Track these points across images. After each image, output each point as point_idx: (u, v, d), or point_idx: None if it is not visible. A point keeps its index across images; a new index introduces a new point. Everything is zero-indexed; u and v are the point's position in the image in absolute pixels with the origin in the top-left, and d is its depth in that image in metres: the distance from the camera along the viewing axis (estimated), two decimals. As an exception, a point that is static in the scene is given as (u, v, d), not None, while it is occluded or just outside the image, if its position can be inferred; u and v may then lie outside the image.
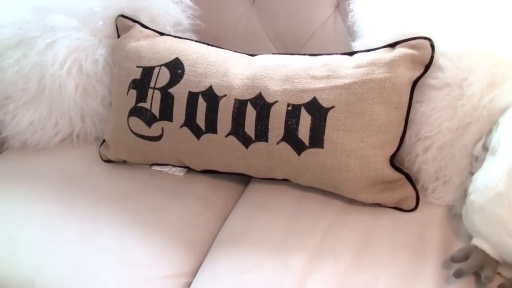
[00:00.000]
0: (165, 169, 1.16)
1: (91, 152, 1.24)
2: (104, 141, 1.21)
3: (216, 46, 1.12)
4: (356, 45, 1.07)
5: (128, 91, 1.10)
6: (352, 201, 1.03)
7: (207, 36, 1.27)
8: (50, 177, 1.17)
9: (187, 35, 1.26)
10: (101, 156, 1.21)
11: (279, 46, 1.26)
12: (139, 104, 1.08)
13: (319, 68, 0.98)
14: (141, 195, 1.11)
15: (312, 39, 1.22)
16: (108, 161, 1.20)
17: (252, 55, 1.09)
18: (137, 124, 1.09)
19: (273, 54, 1.07)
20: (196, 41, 1.15)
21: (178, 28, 1.24)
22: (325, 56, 1.02)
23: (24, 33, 1.20)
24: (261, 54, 1.08)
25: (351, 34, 1.16)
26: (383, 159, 0.97)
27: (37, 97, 1.21)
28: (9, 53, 1.19)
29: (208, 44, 1.13)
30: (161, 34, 1.17)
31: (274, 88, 0.98)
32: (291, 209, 1.03)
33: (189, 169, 1.15)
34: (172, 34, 1.21)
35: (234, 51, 1.10)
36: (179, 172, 1.16)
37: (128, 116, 1.10)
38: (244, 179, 1.14)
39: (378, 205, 1.02)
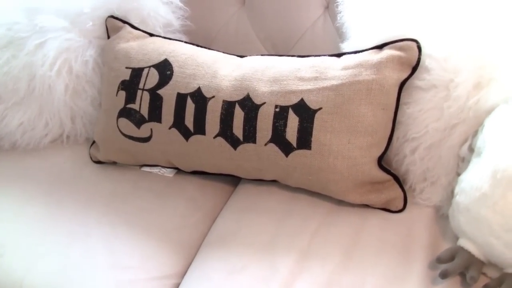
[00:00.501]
0: (154, 170, 1.17)
1: (81, 153, 1.24)
2: (94, 142, 1.21)
3: (206, 48, 1.12)
4: (345, 47, 1.07)
5: (117, 92, 1.10)
6: (340, 202, 1.04)
7: (198, 37, 1.28)
8: (40, 178, 1.17)
9: (177, 36, 1.26)
10: (91, 157, 1.21)
11: (269, 47, 1.27)
12: (128, 105, 1.08)
13: (307, 70, 0.99)
14: (131, 197, 1.12)
15: (302, 40, 1.22)
16: (98, 162, 1.20)
17: (241, 57, 1.09)
18: (126, 125, 1.09)
19: (262, 55, 1.07)
20: (186, 42, 1.15)
21: (168, 29, 1.24)
22: (313, 57, 1.02)
23: (14, 33, 1.19)
24: (251, 55, 1.08)
25: (340, 35, 1.17)
26: (370, 160, 0.98)
27: (27, 98, 1.21)
28: (-1, 54, 1.19)
29: (198, 46, 1.13)
30: (151, 35, 1.17)
31: (262, 90, 0.98)
32: (279, 210, 1.04)
33: (178, 170, 1.16)
34: (162, 35, 1.21)
35: (223, 53, 1.10)
36: (168, 173, 1.16)
37: (118, 117, 1.10)
38: (233, 180, 1.15)
39: (366, 206, 1.02)
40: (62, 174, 1.18)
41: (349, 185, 0.98)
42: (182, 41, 1.15)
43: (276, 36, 1.25)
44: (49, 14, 1.19)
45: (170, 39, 1.16)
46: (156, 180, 1.15)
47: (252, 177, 1.07)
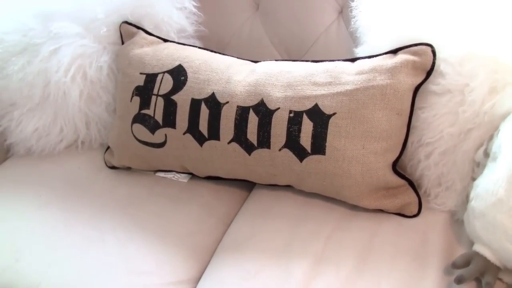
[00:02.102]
0: (169, 175, 1.17)
1: (96, 158, 1.25)
2: (108, 147, 1.22)
3: (220, 53, 1.12)
4: (359, 51, 1.07)
5: (131, 98, 1.11)
6: (354, 207, 1.03)
7: (211, 42, 1.28)
8: (55, 184, 1.18)
9: (191, 41, 1.27)
10: (105, 163, 1.22)
11: (283, 52, 1.27)
12: (143, 111, 1.09)
13: (321, 75, 0.99)
14: (145, 202, 1.12)
15: (316, 45, 1.23)
16: (112, 167, 1.21)
17: (255, 62, 1.09)
18: (141, 131, 1.10)
19: (276, 60, 1.08)
20: (199, 47, 1.15)
21: (182, 35, 1.25)
22: (327, 62, 1.02)
23: (29, 40, 1.20)
24: (264, 61, 1.09)
25: (354, 40, 1.17)
26: (385, 165, 0.98)
27: (42, 104, 1.22)
28: (14, 60, 1.20)
29: (212, 51, 1.14)
30: (165, 40, 1.18)
31: (276, 95, 0.99)
32: (294, 215, 1.04)
33: (193, 176, 1.16)
34: (176, 40, 1.21)
35: (237, 58, 1.11)
36: (183, 178, 1.16)
37: (132, 123, 1.11)
38: (247, 185, 1.15)
39: (381, 211, 1.02)
40: (77, 179, 1.19)
41: (363, 190, 0.98)
42: (196, 46, 1.16)
43: (289, 41, 1.25)
44: (64, 20, 1.20)
45: (184, 44, 1.17)
46: (171, 185, 1.16)
47: (266, 182, 1.07)
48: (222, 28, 1.30)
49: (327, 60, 1.03)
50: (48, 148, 1.25)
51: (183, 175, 1.17)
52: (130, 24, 1.20)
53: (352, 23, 1.10)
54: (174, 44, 1.17)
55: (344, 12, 1.21)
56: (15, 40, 1.19)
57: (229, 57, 1.11)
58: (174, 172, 1.17)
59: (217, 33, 1.30)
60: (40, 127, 1.24)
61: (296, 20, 1.24)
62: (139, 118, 1.09)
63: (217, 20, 1.30)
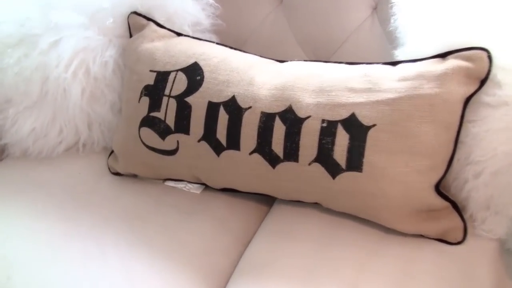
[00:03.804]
0: (179, 185, 1.05)
1: (98, 163, 1.13)
2: (112, 151, 1.10)
3: (240, 50, 1.00)
4: (399, 54, 0.95)
5: (140, 98, 0.99)
6: (390, 230, 0.91)
7: (229, 37, 1.16)
8: (53, 190, 1.06)
9: (207, 36, 1.14)
10: (109, 168, 1.10)
11: (309, 51, 1.14)
12: (152, 114, 0.97)
13: (358, 80, 0.87)
14: (153, 214, 1.00)
15: (346, 45, 1.10)
16: (116, 174, 1.09)
17: (280, 61, 0.97)
18: (150, 135, 0.98)
19: (305, 61, 0.95)
20: (217, 43, 1.03)
21: (197, 28, 1.13)
22: (364, 65, 0.90)
23: (26, 30, 1.08)
24: (290, 60, 0.97)
25: (390, 40, 1.05)
26: (428, 185, 0.86)
27: (40, 101, 1.10)
28: (9, 52, 1.07)
29: (231, 48, 1.01)
30: (178, 34, 1.06)
31: (306, 101, 0.86)
32: (321, 237, 0.92)
33: (206, 186, 1.04)
34: (190, 34, 1.09)
35: (260, 56, 0.99)
36: (195, 189, 1.04)
37: (140, 126, 0.98)
38: (268, 199, 1.03)
39: (420, 235, 0.90)
40: (77, 186, 1.07)
41: (402, 213, 0.86)
42: (213, 42, 1.04)
43: (316, 39, 1.13)
44: (65, 9, 1.08)
45: (199, 39, 1.04)
46: (181, 196, 1.04)
47: (291, 198, 0.95)
48: (241, 22, 1.18)
49: (364, 63, 0.91)
50: (46, 150, 1.13)
51: (195, 185, 1.05)
52: (140, 15, 1.08)
53: (392, 21, 0.97)
54: (189, 38, 1.04)
55: (379, 8, 1.09)
56: (11, 30, 1.07)
57: (251, 55, 0.99)
58: (185, 182, 1.05)
59: (235, 27, 1.17)
60: (37, 127, 1.11)
61: (325, 15, 1.11)
62: (148, 122, 0.97)
63: (236, 13, 1.17)
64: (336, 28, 1.11)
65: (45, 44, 1.07)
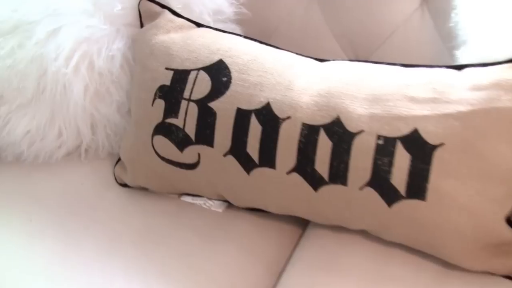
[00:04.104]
0: (198, 201, 0.90)
1: (103, 171, 0.98)
2: (119, 159, 0.95)
3: (273, 46, 0.85)
4: (461, 55, 0.80)
5: (153, 101, 0.84)
6: (449, 264, 0.77)
7: (253, 28, 1.00)
8: (50, 204, 0.91)
9: (229, 26, 0.98)
10: (115, 178, 0.96)
11: (347, 46, 0.99)
12: (169, 120, 0.82)
13: (420, 87, 0.72)
14: (167, 236, 0.86)
15: (391, 41, 0.95)
16: (124, 185, 0.95)
17: (321, 60, 0.82)
18: (165, 145, 0.83)
19: (351, 60, 0.81)
20: (245, 37, 0.88)
21: (218, 18, 0.97)
22: (425, 69, 0.75)
23: (20, 16, 0.94)
24: (330, 59, 0.82)
25: (443, 37, 0.90)
26: (502, 216, 0.71)
27: (36, 99, 0.95)
28: (1, 42, 0.93)
29: (261, 42, 0.86)
30: (198, 25, 0.91)
31: (358, 112, 0.72)
32: (368, 270, 0.77)
33: (229, 203, 0.90)
34: (212, 25, 0.94)
35: (297, 54, 0.84)
36: (216, 207, 0.90)
37: (153, 134, 0.84)
38: (301, 219, 0.88)
39: (487, 272, 0.77)
40: (79, 198, 0.93)
41: (469, 247, 0.72)
42: (240, 35, 0.89)
43: (355, 32, 0.97)
44: None
45: (223, 31, 0.89)
46: (201, 215, 0.89)
47: (334, 224, 0.81)
48: (269, 11, 1.02)
49: (424, 66, 0.76)
50: (43, 155, 0.98)
51: (217, 202, 0.90)
52: (153, 1, 0.92)
53: (453, 15, 0.82)
54: (211, 30, 0.89)
55: (430, -1, 0.94)
56: (3, 16, 0.93)
57: (287, 52, 0.84)
58: (205, 198, 0.91)
59: (261, 16, 1.01)
60: (33, 128, 0.96)
61: (366, 6, 0.96)
62: (164, 129, 0.83)
63: (262, 0, 1.02)
64: (379, 21, 0.95)
65: (42, 33, 0.92)
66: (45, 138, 0.98)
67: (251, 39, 0.87)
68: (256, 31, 1.00)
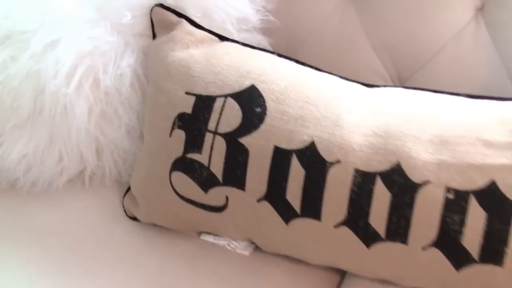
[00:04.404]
0: (221, 241, 0.79)
1: (111, 201, 0.86)
2: (129, 188, 0.84)
3: (314, 67, 0.73)
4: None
5: (171, 131, 0.72)
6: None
7: (280, 38, 0.88)
8: (51, 240, 0.80)
9: (255, 37, 0.86)
10: (125, 211, 0.84)
11: (388, 61, 0.86)
12: (190, 155, 0.70)
13: (495, 128, 0.60)
14: (186, 282, 0.74)
15: (440, 56, 0.82)
16: (135, 218, 0.84)
17: (368, 86, 0.70)
18: (186, 183, 0.71)
19: (405, 87, 0.69)
20: (279, 54, 0.75)
21: (243, 27, 0.85)
22: (497, 102, 0.64)
23: (13, 24, 0.82)
24: (383, 86, 0.70)
25: (502, 54, 0.78)
26: None
27: (32, 119, 0.83)
28: (-11, 54, 0.81)
29: (297, 61, 0.74)
30: (221, 38, 0.78)
31: (422, 157, 0.60)
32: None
33: (257, 245, 0.79)
34: (236, 36, 0.82)
35: (341, 78, 0.72)
36: (242, 249, 0.78)
37: (172, 170, 0.72)
38: (338, 266, 0.78)
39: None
40: (83, 233, 0.81)
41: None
42: (272, 52, 0.76)
43: (399, 45, 0.84)
44: None
45: (251, 47, 0.77)
46: (224, 257, 0.77)
47: (384, 279, 0.70)
48: (299, 19, 0.88)
49: (495, 98, 0.65)
50: (42, 182, 0.86)
51: (243, 243, 0.79)
52: (168, 8, 0.80)
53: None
54: (238, 46, 0.77)
55: (486, 9, 0.81)
56: (-7, 24, 0.80)
57: (329, 75, 0.72)
58: (229, 238, 0.80)
59: (289, 25, 0.89)
60: (29, 153, 0.84)
61: (411, 15, 0.83)
62: (184, 165, 0.71)
63: (291, 7, 0.89)
64: (427, 32, 0.83)
65: (38, 45, 0.80)
66: (43, 163, 0.85)
67: (285, 57, 0.75)
68: (282, 41, 0.89)
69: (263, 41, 0.87)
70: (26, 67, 0.80)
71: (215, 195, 0.69)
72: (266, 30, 0.87)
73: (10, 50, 0.81)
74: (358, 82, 0.71)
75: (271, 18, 0.86)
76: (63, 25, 0.80)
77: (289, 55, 0.79)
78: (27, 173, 0.86)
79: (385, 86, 0.70)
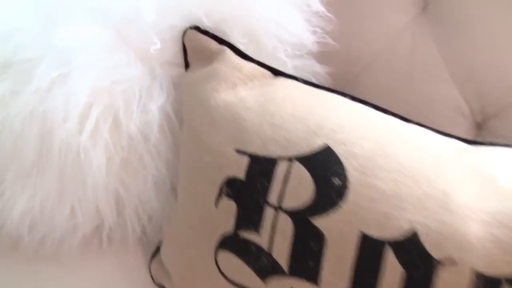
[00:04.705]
0: (274, 325, 0.66)
1: (134, 264, 0.72)
2: (157, 250, 0.69)
3: (398, 116, 0.57)
4: None
5: (218, 199, 0.56)
6: None
7: (335, 61, 0.72)
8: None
9: (309, 64, 0.70)
10: (152, 277, 0.70)
11: (471, 95, 0.70)
12: (244, 234, 0.55)
13: None
14: None
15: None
16: (162, 286, 0.69)
17: (469, 142, 0.55)
18: (238, 267, 0.56)
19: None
20: (352, 97, 0.59)
21: (297, 53, 0.69)
22: None
23: (12, 52, 0.65)
24: (486, 143, 0.55)
25: None
26: None
27: (38, 167, 0.67)
28: (-16, 87, 0.65)
29: (376, 107, 0.58)
30: (275, 72, 0.62)
31: None
32: None
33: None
34: (289, 66, 0.66)
35: (432, 129, 0.57)
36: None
37: (218, 248, 0.57)
38: None
39: None
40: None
41: None
42: (345, 94, 0.60)
43: (486, 77, 0.69)
44: (78, 17, 0.65)
45: (316, 86, 0.61)
46: None
47: None
48: (360, 43, 0.72)
49: None
50: (51, 242, 0.70)
51: (301, 327, 0.65)
52: (206, 33, 0.64)
53: None
54: (299, 84, 0.60)
55: None
56: (-10, 51, 0.65)
57: (421, 128, 0.56)
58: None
59: (348, 46, 0.72)
60: (36, 205, 0.68)
61: (503, 41, 0.68)
62: (236, 245, 0.55)
63: (350, 27, 0.72)
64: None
65: (44, 78, 0.64)
66: (53, 218, 0.69)
67: (358, 100, 0.59)
68: (339, 66, 0.72)
69: (318, 69, 0.71)
70: (29, 105, 0.65)
71: (278, 286, 0.55)
72: (320, 55, 0.71)
73: (9, 83, 0.65)
74: (455, 137, 0.56)
75: (330, 41, 0.70)
76: (76, 52, 0.64)
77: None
78: (33, 229, 0.70)
79: (491, 144, 0.55)
